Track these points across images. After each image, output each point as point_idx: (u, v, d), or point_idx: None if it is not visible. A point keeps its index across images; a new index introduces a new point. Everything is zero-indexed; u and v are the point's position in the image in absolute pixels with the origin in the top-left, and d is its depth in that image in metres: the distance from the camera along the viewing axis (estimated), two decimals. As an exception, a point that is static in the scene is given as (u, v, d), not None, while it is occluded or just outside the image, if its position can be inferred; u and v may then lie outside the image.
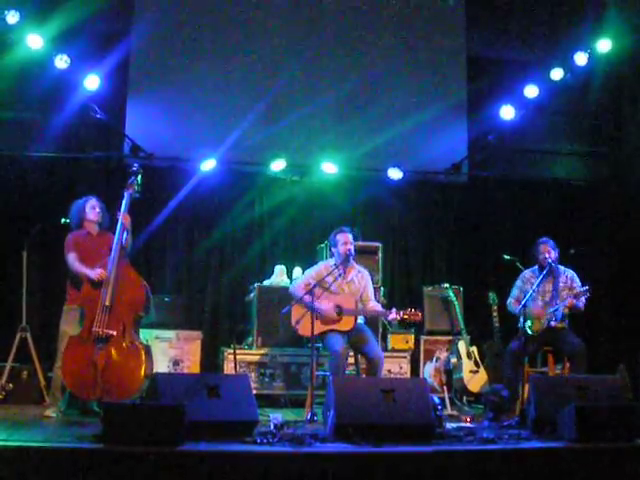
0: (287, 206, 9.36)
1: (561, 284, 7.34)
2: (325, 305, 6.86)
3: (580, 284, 7.34)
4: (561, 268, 7.42)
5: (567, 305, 7.14)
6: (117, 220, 6.54)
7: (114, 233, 6.51)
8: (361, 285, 7.16)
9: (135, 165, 6.77)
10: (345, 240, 7.08)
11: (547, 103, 9.40)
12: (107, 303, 6.22)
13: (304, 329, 6.77)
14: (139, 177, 6.69)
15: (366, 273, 7.31)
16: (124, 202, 6.58)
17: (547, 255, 7.30)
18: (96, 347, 6.09)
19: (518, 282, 7.57)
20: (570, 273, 7.44)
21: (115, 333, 6.17)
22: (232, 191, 9.25)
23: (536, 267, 7.51)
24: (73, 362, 6.11)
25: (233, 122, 9.05)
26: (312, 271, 7.18)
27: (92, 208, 6.72)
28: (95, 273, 6.31)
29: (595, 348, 7.42)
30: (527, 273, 7.58)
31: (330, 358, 6.81)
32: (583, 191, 10.07)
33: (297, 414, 6.99)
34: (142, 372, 6.13)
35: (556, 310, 7.15)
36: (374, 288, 7.53)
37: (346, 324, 6.88)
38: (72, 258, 6.56)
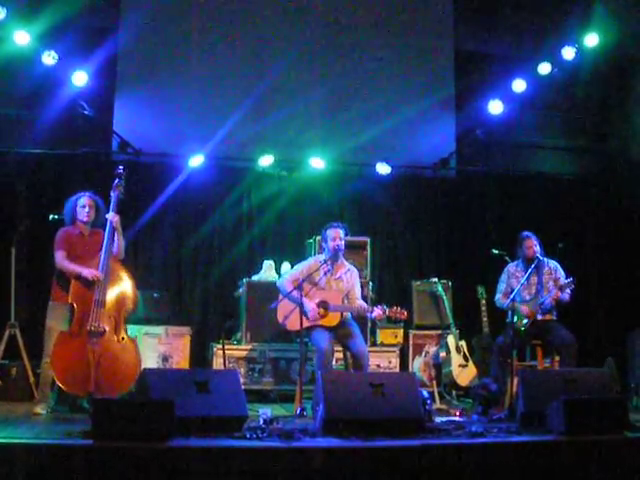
0: (275, 201, 9.32)
1: (545, 276, 7.38)
2: (309, 305, 6.85)
3: (564, 275, 7.38)
4: (544, 260, 7.45)
5: (552, 297, 7.17)
6: (107, 220, 6.51)
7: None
8: (349, 284, 7.16)
9: (120, 167, 6.75)
10: (335, 235, 7.07)
11: (535, 98, 9.44)
12: (101, 298, 6.22)
13: (292, 324, 6.82)
14: (124, 178, 6.69)
15: (355, 272, 7.30)
16: (112, 203, 6.57)
17: (534, 249, 7.33)
18: (89, 342, 6.08)
19: (503, 276, 7.60)
20: (553, 264, 7.48)
21: (108, 328, 6.19)
22: (220, 187, 9.22)
23: (520, 261, 7.54)
24: (64, 358, 6.07)
25: (221, 118, 9.04)
26: (301, 266, 7.18)
27: (82, 207, 6.63)
28: (90, 272, 6.28)
29: (583, 341, 7.43)
30: (511, 267, 7.60)
31: (316, 355, 6.83)
32: (571, 185, 10.08)
33: (286, 409, 7.00)
34: (137, 367, 6.14)
35: (542, 303, 7.17)
36: (362, 283, 7.56)
37: (332, 320, 6.89)
38: (61, 256, 6.49)
